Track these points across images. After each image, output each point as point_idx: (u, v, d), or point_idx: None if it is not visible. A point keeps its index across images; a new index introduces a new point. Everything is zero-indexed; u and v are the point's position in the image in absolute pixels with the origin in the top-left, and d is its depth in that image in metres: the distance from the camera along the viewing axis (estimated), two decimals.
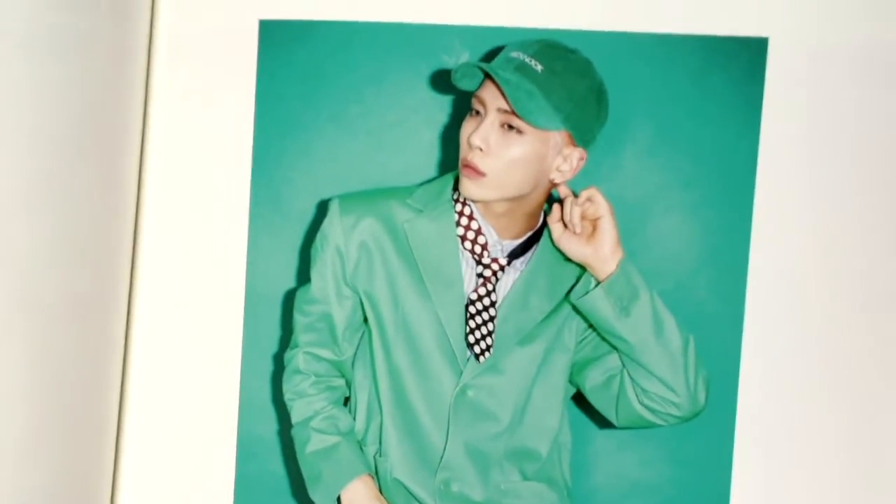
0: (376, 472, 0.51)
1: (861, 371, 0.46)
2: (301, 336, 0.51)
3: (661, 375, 0.48)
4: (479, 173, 0.48)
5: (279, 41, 0.49)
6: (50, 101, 0.43)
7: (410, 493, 0.51)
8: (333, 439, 0.51)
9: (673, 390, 0.48)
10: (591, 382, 0.51)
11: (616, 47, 0.48)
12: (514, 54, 0.48)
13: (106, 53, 0.47)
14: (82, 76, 0.46)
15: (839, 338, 0.46)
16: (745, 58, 0.46)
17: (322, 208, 0.51)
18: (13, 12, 0.41)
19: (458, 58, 0.49)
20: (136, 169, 0.50)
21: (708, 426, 0.47)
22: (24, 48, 0.41)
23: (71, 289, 0.46)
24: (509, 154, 0.48)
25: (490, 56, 0.49)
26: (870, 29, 0.46)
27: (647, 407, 0.49)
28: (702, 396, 0.48)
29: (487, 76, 0.48)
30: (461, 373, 0.50)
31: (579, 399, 0.51)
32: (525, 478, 0.51)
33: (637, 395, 0.49)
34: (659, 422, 0.49)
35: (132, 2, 0.48)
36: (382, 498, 0.51)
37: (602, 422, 0.50)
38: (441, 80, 0.50)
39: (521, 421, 0.51)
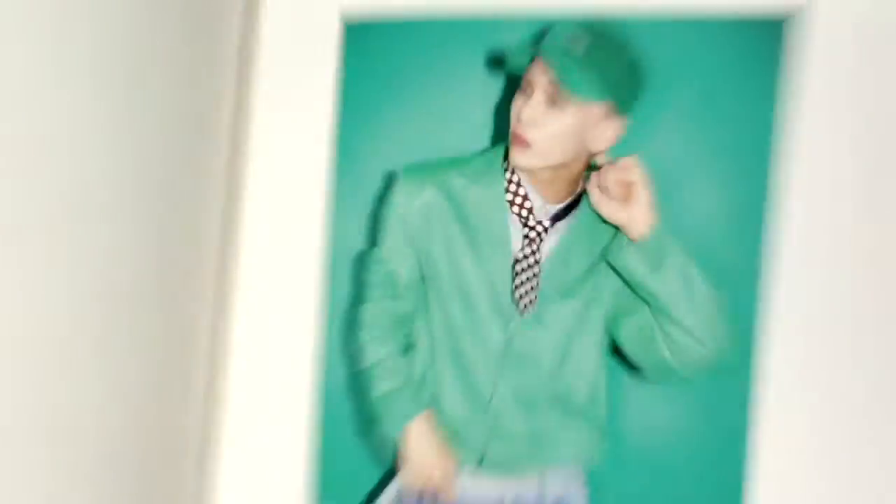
0: (434, 411, 0.58)
1: (882, 320, 0.49)
2: (370, 291, 0.57)
3: (688, 327, 0.52)
4: (527, 143, 0.53)
5: (357, 39, 0.56)
6: (148, 94, 0.49)
7: (464, 430, 0.56)
8: (397, 382, 0.57)
9: (699, 341, 0.52)
10: (625, 333, 0.55)
11: (651, 28, 0.51)
12: (560, 37, 0.53)
13: (201, 44, 0.54)
14: (178, 66, 0.51)
15: (853, 295, 0.49)
16: (769, 38, 0.50)
17: (389, 179, 0.57)
18: (110, 12, 0.47)
19: (509, 42, 0.55)
20: (230, 148, 0.58)
21: (729, 375, 0.51)
22: (121, 47, 0.47)
23: (171, 247, 0.54)
24: (554, 126, 0.53)
25: (536, 40, 0.54)
26: None
27: (674, 355, 0.53)
28: (725, 346, 0.52)
29: (536, 57, 0.54)
30: (509, 324, 0.56)
31: (614, 349, 0.56)
32: (565, 418, 0.56)
33: (666, 345, 0.53)
34: (686, 369, 0.53)
35: (224, 4, 0.56)
36: (440, 433, 0.57)
37: (633, 369, 0.55)
38: (494, 63, 0.56)
39: (562, 367, 0.56)
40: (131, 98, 0.49)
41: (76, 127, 0.46)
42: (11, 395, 0.44)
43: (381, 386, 0.58)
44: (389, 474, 0.57)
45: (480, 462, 0.56)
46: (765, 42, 0.50)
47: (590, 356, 0.56)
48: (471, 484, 0.57)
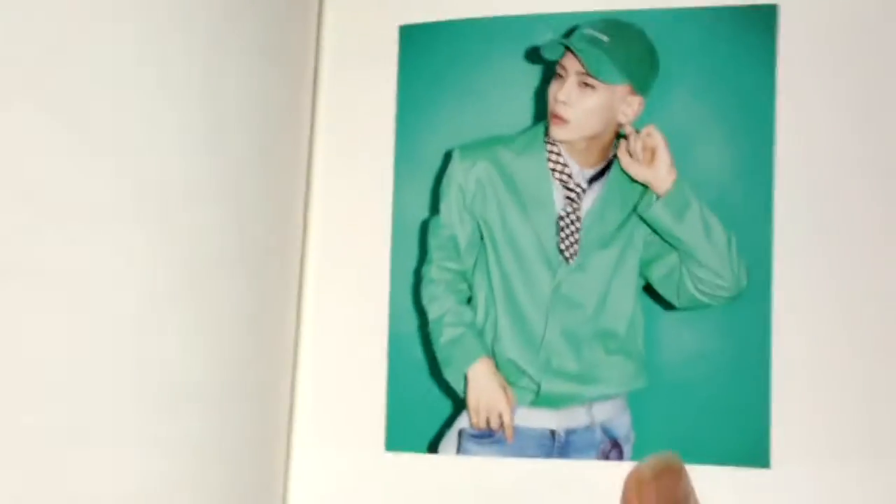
0: (493, 354, 0.66)
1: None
2: (434, 253, 0.66)
3: (711, 266, 0.62)
4: (564, 120, 0.64)
5: (412, 40, 0.66)
6: (233, 96, 0.58)
7: (520, 369, 0.64)
8: (460, 330, 0.66)
9: (721, 276, 0.61)
10: (657, 274, 0.64)
11: (661, 20, 0.61)
12: (587, 31, 0.63)
13: (280, 57, 0.62)
14: (260, 77, 0.60)
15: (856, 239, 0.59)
16: (755, 25, 0.60)
17: (447, 156, 0.66)
18: (195, 20, 0.55)
19: (544, 37, 0.64)
20: (308, 139, 0.67)
21: (749, 304, 0.59)
22: (206, 55, 0.56)
23: (255, 230, 0.62)
24: (586, 104, 0.64)
25: (568, 34, 0.63)
26: None
27: (700, 291, 0.62)
28: (743, 280, 0.60)
29: (567, 48, 0.64)
30: (556, 273, 0.65)
31: (648, 289, 0.64)
32: (608, 352, 0.64)
33: (693, 282, 0.62)
34: (711, 302, 0.62)
35: (303, 12, 0.66)
36: (499, 373, 0.66)
37: (667, 305, 0.63)
38: (532, 55, 0.65)
39: (603, 308, 0.64)
40: (223, 98, 0.58)
41: (176, 126, 0.54)
42: (122, 353, 0.52)
43: (447, 333, 0.66)
44: (456, 412, 0.66)
45: (536, 397, 0.65)
46: (758, 24, 0.60)
47: (627, 296, 0.64)
48: (528, 418, 0.65)
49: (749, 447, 0.59)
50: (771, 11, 0.60)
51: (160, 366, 0.55)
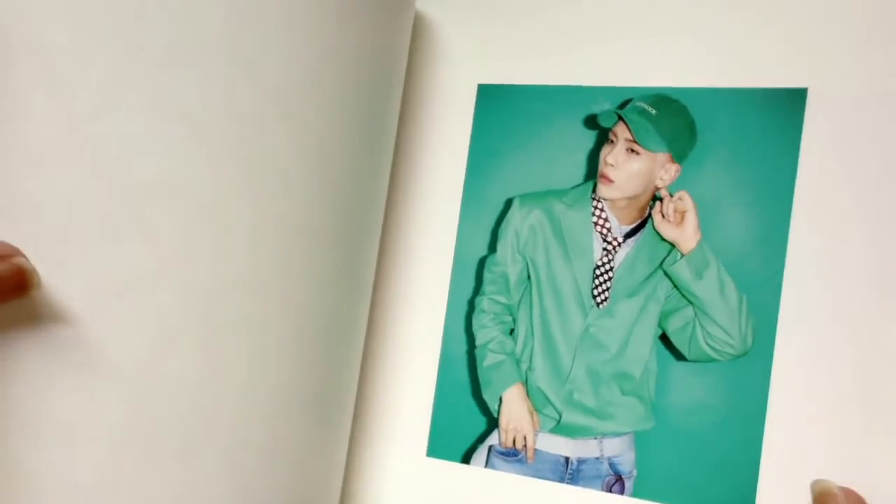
0: (526, 382, 0.73)
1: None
2: (486, 287, 0.75)
3: (722, 324, 0.66)
4: (610, 181, 0.72)
5: (488, 98, 0.75)
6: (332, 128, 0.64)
7: (546, 398, 0.71)
8: (501, 357, 0.74)
9: (730, 335, 0.66)
10: (673, 326, 0.69)
11: (702, 98, 0.67)
12: (638, 104, 0.71)
13: (372, 96, 0.69)
14: (353, 114, 0.66)
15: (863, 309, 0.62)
16: (785, 106, 0.65)
17: (507, 203, 0.75)
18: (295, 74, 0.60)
19: (601, 107, 0.72)
20: (389, 175, 0.75)
21: (752, 363, 0.63)
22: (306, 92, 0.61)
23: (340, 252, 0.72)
24: (631, 168, 0.71)
25: (622, 105, 0.71)
26: None
27: (710, 346, 0.67)
28: (749, 340, 0.65)
29: (620, 118, 0.72)
30: (587, 315, 0.72)
31: (664, 338, 0.69)
32: (623, 393, 0.69)
33: (704, 338, 0.67)
34: (718, 357, 0.66)
35: (394, 67, 0.77)
36: (529, 399, 0.73)
37: (678, 356, 0.68)
38: (589, 122, 0.73)
39: (624, 351, 0.70)
40: (334, 135, 0.66)
41: (283, 147, 0.60)
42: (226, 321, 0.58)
43: (490, 358, 0.74)
44: (489, 429, 0.73)
45: (556, 425, 0.71)
46: (789, 105, 0.64)
47: (645, 343, 0.70)
48: (547, 443, 0.72)
49: (737, 497, 0.63)
50: (801, 94, 0.65)
51: (256, 370, 0.58)
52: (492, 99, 0.77)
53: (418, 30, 0.81)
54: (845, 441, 0.60)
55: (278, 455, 0.62)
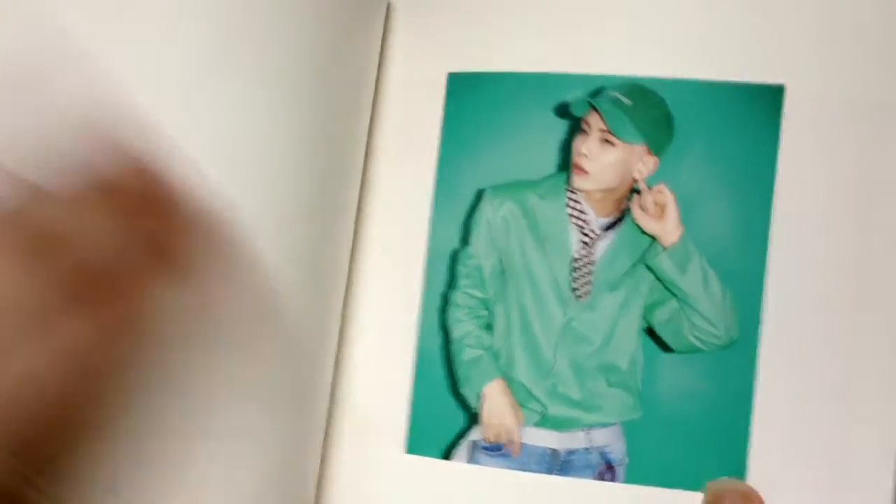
0: (506, 376, 0.73)
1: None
2: (460, 280, 0.73)
3: (706, 315, 0.68)
4: (584, 171, 0.71)
5: (459, 87, 0.72)
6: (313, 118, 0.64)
7: (529, 392, 0.71)
8: (478, 352, 0.73)
9: (715, 326, 0.68)
10: (658, 319, 0.70)
11: (679, 89, 0.67)
12: (612, 93, 0.70)
13: (343, 90, 0.69)
14: (323, 113, 0.66)
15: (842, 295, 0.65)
16: (763, 102, 0.66)
17: (479, 195, 0.73)
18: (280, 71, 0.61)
19: (574, 95, 0.70)
20: (361, 168, 0.73)
21: (737, 353, 0.65)
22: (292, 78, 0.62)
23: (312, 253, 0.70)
24: (605, 159, 0.70)
25: (595, 94, 0.70)
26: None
27: (696, 337, 0.68)
28: (734, 331, 0.66)
29: (593, 107, 0.71)
30: (567, 309, 0.72)
31: (650, 332, 0.70)
32: (609, 385, 0.70)
33: (690, 330, 0.68)
34: (704, 348, 0.68)
35: (365, 57, 0.73)
36: (510, 394, 0.73)
37: (665, 348, 0.69)
38: (562, 110, 0.71)
39: (608, 344, 0.71)
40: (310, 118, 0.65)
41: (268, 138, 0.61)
42: None
43: (467, 353, 0.73)
44: (469, 425, 0.73)
45: (541, 419, 0.72)
46: (766, 100, 0.65)
47: (630, 336, 0.71)
48: (533, 437, 0.72)
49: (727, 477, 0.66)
50: (778, 91, 0.66)
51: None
52: (462, 88, 0.73)
53: (388, 19, 0.76)
54: (831, 424, 0.63)
55: (252, 446, 0.62)
